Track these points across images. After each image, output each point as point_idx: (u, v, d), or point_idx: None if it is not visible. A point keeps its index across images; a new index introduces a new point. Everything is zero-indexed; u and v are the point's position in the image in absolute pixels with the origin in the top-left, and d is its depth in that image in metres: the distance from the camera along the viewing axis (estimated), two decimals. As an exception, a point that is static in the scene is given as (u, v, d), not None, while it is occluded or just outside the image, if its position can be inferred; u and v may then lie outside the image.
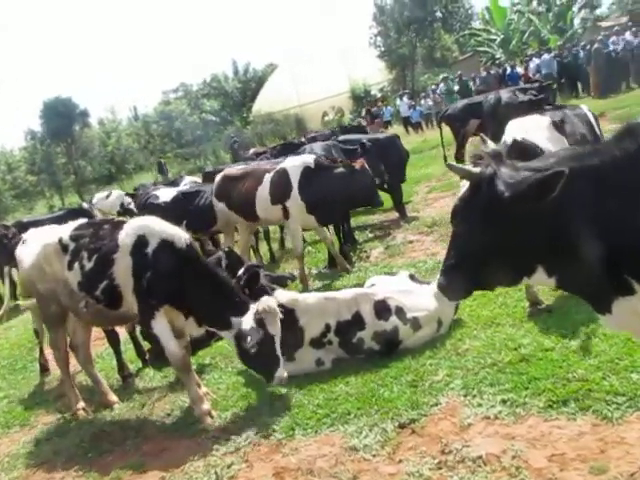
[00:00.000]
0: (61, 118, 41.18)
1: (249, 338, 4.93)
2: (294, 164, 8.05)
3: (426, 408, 4.38)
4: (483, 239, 2.78)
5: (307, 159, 8.17)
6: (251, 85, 51.55)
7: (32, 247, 5.53)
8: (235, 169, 9.33)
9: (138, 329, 6.67)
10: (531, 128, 5.71)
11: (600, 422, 3.71)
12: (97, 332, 6.68)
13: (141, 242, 4.97)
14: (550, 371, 4.39)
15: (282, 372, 4.90)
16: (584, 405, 3.89)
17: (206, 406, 5.06)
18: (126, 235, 5.04)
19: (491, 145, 3.04)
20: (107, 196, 16.43)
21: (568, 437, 3.65)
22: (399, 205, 10.91)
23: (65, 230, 5.46)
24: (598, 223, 2.60)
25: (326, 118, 36.28)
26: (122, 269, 5.00)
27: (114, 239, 5.08)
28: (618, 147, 2.62)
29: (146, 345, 6.85)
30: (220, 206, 8.69)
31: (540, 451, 3.60)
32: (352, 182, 7.86)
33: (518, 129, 5.74)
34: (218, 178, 8.82)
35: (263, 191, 8.11)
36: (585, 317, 5.03)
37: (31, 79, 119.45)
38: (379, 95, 35.38)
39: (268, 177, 8.11)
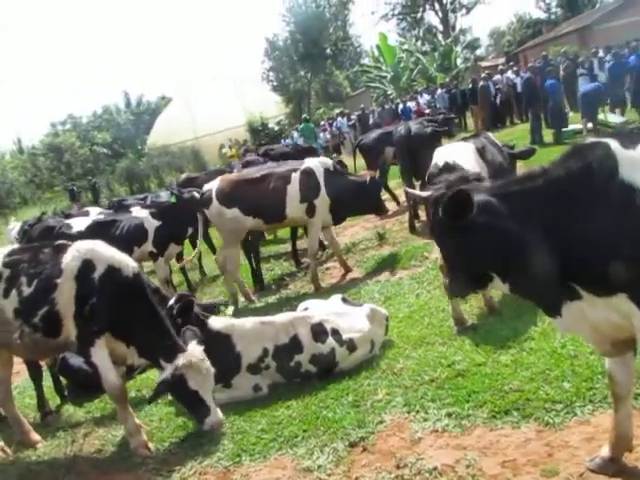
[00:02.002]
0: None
1: (173, 389, 4.85)
2: (316, 164, 8.51)
3: (372, 426, 4.45)
4: (448, 252, 3.28)
5: (325, 161, 8.88)
6: (145, 117, 50.70)
7: None
8: (244, 173, 9.27)
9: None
10: (459, 153, 6.09)
11: (543, 428, 3.92)
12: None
13: (87, 266, 4.77)
14: (487, 384, 4.59)
15: (213, 418, 4.80)
16: (526, 413, 4.10)
17: (143, 437, 4.88)
18: (72, 259, 4.81)
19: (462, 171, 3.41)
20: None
21: (516, 444, 3.83)
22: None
23: None
24: (542, 237, 2.87)
25: (224, 150, 36.07)
26: (65, 294, 4.75)
27: (57, 263, 4.83)
28: (563, 166, 2.89)
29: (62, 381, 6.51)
30: (230, 213, 8.29)
31: (492, 459, 3.75)
32: (365, 189, 8.61)
33: (448, 154, 6.10)
34: (224, 184, 8.43)
35: (293, 189, 8.25)
36: (509, 333, 5.37)
37: None
38: (277, 128, 35.73)
39: (296, 176, 8.27)
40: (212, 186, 8.57)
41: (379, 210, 9.27)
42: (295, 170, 8.41)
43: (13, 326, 4.90)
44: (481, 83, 22.46)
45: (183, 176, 15.78)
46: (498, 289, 3.24)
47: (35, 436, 5.47)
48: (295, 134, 28.64)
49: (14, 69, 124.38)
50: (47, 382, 6.42)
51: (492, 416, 4.18)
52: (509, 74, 23.29)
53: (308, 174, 8.34)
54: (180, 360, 4.73)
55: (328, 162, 8.78)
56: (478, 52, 46.96)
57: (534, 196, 2.91)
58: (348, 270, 8.88)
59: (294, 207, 8.31)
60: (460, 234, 3.02)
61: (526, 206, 2.92)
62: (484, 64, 41.81)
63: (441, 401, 4.54)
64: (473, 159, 6.13)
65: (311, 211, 8.35)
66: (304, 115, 32.89)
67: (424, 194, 3.23)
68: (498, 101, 22.55)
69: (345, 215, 8.98)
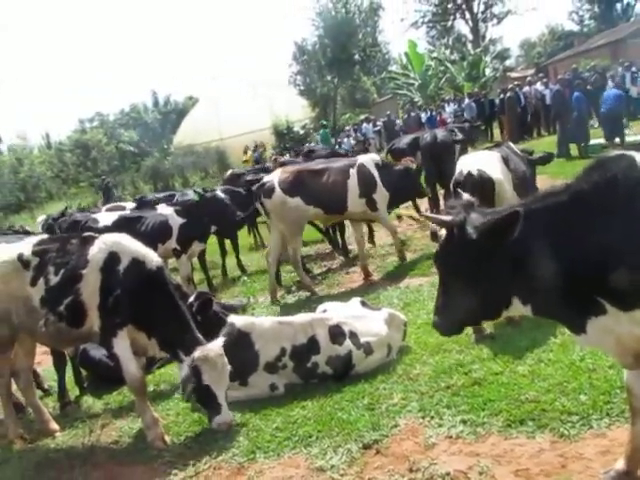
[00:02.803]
0: (-30, 143, 39.20)
1: (186, 382, 4.90)
2: (368, 160, 8.94)
3: (387, 429, 4.47)
4: (461, 279, 3.09)
5: (374, 156, 9.39)
6: (171, 117, 51.21)
7: None
8: (303, 165, 9.70)
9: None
10: (485, 162, 6.09)
11: (558, 439, 3.91)
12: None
13: (112, 259, 4.86)
14: (503, 393, 4.58)
15: (223, 418, 4.84)
16: (541, 424, 4.09)
17: (159, 431, 4.94)
18: (98, 250, 4.91)
19: (465, 196, 3.31)
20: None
21: (530, 454, 3.83)
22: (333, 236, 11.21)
23: (24, 246, 5.22)
24: (566, 253, 2.83)
25: (248, 152, 36.32)
26: (90, 285, 4.85)
27: (84, 254, 4.93)
28: (587, 180, 2.88)
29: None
30: (293, 202, 8.44)
31: (505, 467, 3.76)
32: (410, 177, 9.19)
33: (473, 162, 6.10)
34: (286, 174, 8.61)
35: (352, 184, 8.58)
36: (527, 344, 5.35)
37: None
38: (302, 132, 35.87)
39: (354, 171, 8.61)
40: (273, 177, 8.72)
41: (421, 194, 10.13)
42: (352, 165, 8.76)
43: (39, 314, 5.01)
44: (508, 94, 22.36)
45: (228, 172, 16.06)
46: (515, 313, 3.19)
47: (54, 425, 5.57)
48: (318, 138, 28.86)
49: (44, 67, 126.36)
50: (67, 373, 6.51)
51: (507, 425, 4.18)
52: (538, 86, 23.18)
53: (364, 170, 8.71)
54: (197, 353, 4.79)
55: (376, 157, 9.22)
56: (507, 63, 46.72)
57: (559, 212, 2.88)
58: (368, 275, 8.91)
59: (354, 201, 8.63)
60: (486, 257, 2.96)
61: (552, 223, 2.90)
62: (513, 75, 41.60)
63: (456, 408, 4.55)
64: (499, 168, 6.14)
65: (372, 205, 8.71)
66: (321, 121, 33.10)
67: (445, 218, 3.16)
68: (527, 112, 22.41)
69: (396, 205, 9.64)
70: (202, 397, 4.90)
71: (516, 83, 24.44)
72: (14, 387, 5.81)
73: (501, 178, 6.15)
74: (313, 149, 16.24)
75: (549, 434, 3.98)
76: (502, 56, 44.12)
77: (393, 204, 9.35)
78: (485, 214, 3.10)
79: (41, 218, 15.49)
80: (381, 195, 8.75)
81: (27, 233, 8.43)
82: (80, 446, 5.22)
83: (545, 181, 11.26)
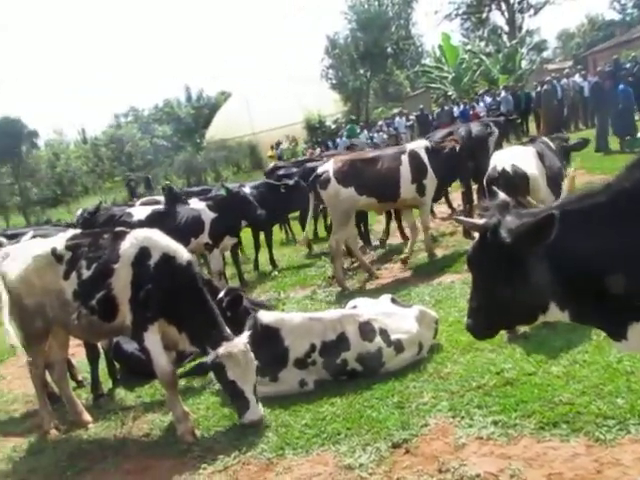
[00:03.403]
0: (8, 138, 40.05)
1: (215, 377, 4.95)
2: (418, 146, 9.02)
3: (416, 429, 4.42)
4: (496, 283, 2.97)
5: (424, 142, 9.30)
6: (204, 112, 51.47)
7: (19, 261, 5.34)
8: (356, 154, 9.71)
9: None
10: (520, 157, 5.99)
11: (594, 444, 3.81)
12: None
13: (143, 254, 4.91)
14: (536, 395, 4.50)
15: (251, 414, 4.84)
16: (575, 427, 4.00)
17: (190, 425, 4.98)
18: (130, 245, 4.96)
19: (502, 195, 3.21)
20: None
21: (563, 458, 3.74)
22: (364, 233, 11.16)
23: (58, 241, 5.31)
24: (607, 255, 2.71)
25: (280, 147, 36.42)
26: (121, 279, 4.90)
27: (116, 249, 4.99)
28: (629, 178, 2.76)
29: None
30: (346, 192, 8.53)
31: (537, 470, 3.68)
32: (458, 156, 9.04)
33: (507, 158, 6.01)
34: (341, 165, 8.67)
35: (405, 170, 8.66)
36: (562, 344, 5.24)
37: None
38: (333, 126, 35.75)
39: (405, 158, 8.68)
40: (328, 167, 8.75)
41: (467, 174, 10.03)
42: (403, 152, 8.82)
43: (72, 307, 5.08)
44: (545, 87, 21.92)
45: (271, 165, 16.18)
46: (552, 319, 3.08)
47: (87, 417, 5.66)
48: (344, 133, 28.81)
49: (81, 63, 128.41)
50: (100, 365, 6.61)
51: (540, 427, 4.09)
52: (576, 78, 22.68)
53: (415, 156, 8.75)
54: (221, 349, 4.80)
55: (426, 143, 9.17)
56: (544, 54, 45.73)
57: (598, 214, 2.75)
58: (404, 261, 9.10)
59: (407, 188, 8.70)
60: (521, 261, 2.86)
61: (591, 225, 2.76)
62: (550, 67, 40.80)
63: (488, 408, 4.47)
64: (534, 163, 6.04)
65: (422, 191, 8.75)
66: (350, 116, 33.01)
67: (478, 222, 3.06)
68: (564, 105, 21.96)
69: (444, 189, 9.76)
70: (229, 393, 4.92)
71: (553, 75, 23.91)
72: (48, 378, 5.93)
73: (536, 174, 6.05)
74: (355, 144, 16.15)
75: (584, 438, 3.89)
76: (539, 48, 43.31)
77: (442, 187, 9.36)
78: (520, 216, 2.97)
79: (79, 212, 15.82)
80: (431, 181, 8.81)
81: (69, 226, 8.62)
82: (112, 438, 5.30)
83: (582, 177, 11.07)
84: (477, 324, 3.17)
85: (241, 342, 4.88)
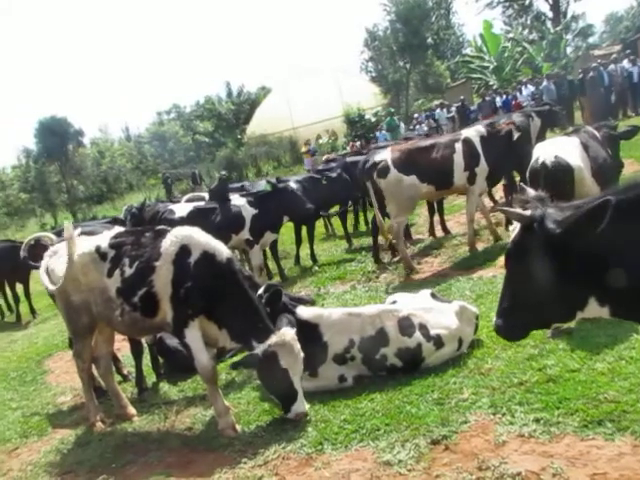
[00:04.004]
0: (56, 137, 41.06)
1: (263, 368, 4.95)
2: (473, 133, 8.94)
3: (456, 425, 4.38)
4: (537, 278, 2.88)
5: (480, 128, 9.13)
6: (245, 107, 51.72)
7: (66, 258, 5.48)
8: (412, 142, 9.76)
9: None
10: (563, 148, 5.87)
11: (640, 444, 3.72)
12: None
13: (184, 252, 4.98)
14: (580, 392, 4.40)
15: (299, 407, 4.88)
16: (621, 426, 3.90)
17: (231, 419, 5.05)
18: (170, 244, 5.04)
19: (530, 192, 3.13)
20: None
21: (608, 457, 3.66)
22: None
23: (102, 239, 5.44)
24: None
25: (320, 141, 36.42)
26: (162, 277, 4.99)
27: (157, 247, 5.08)
28: None
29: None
30: (409, 180, 8.63)
31: (580, 470, 3.61)
32: (512, 145, 8.79)
33: (551, 149, 5.90)
34: (399, 153, 8.74)
35: (458, 158, 8.71)
36: (607, 340, 5.11)
37: (24, 98, 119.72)
38: (373, 120, 35.55)
39: (459, 145, 8.71)
40: (385, 156, 8.79)
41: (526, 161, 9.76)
42: (457, 140, 8.80)
43: (115, 304, 5.20)
44: (591, 73, 21.31)
45: (324, 158, 16.23)
46: (590, 315, 3.00)
47: (132, 410, 5.81)
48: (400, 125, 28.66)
49: (124, 62, 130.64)
50: (145, 360, 6.75)
51: (584, 425, 4.01)
52: (625, 63, 21.92)
53: (468, 143, 8.73)
54: (274, 338, 4.84)
55: (481, 129, 9.02)
56: (591, 40, 44.20)
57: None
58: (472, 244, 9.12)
59: (460, 175, 8.73)
60: (566, 254, 2.78)
61: (632, 216, 2.69)
62: (597, 53, 39.47)
63: (529, 405, 4.40)
64: (577, 154, 5.90)
65: (472, 179, 8.76)
66: (389, 109, 32.79)
67: (525, 213, 2.92)
68: (612, 92, 21.29)
69: (500, 177, 9.51)
70: (279, 383, 4.91)
71: (599, 61, 23.21)
72: (95, 372, 6.08)
73: (580, 165, 5.92)
74: (409, 137, 15.94)
75: (630, 437, 3.79)
76: (585, 33, 41.90)
77: (496, 176, 9.27)
78: (562, 209, 2.91)
79: (124, 208, 16.22)
80: (482, 169, 8.77)
81: (116, 220, 8.88)
82: (155, 431, 5.42)
83: (631, 165, 10.79)
84: (509, 324, 3.08)
85: (290, 332, 4.94)
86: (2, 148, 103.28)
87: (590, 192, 5.73)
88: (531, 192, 3.08)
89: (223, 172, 15.70)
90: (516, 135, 8.77)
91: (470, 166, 8.72)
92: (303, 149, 31.56)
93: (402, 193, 8.69)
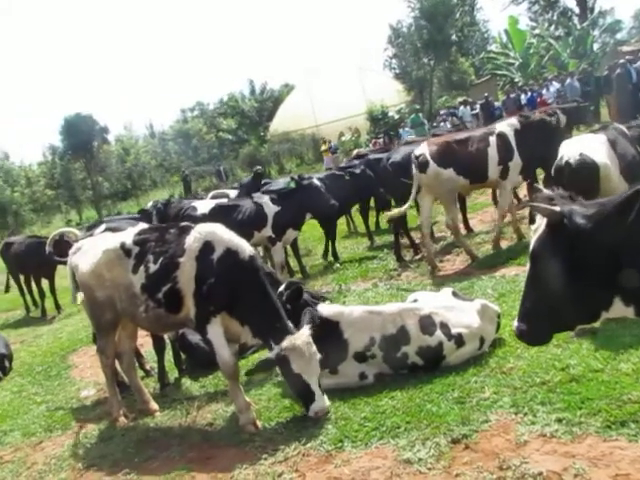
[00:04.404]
0: (81, 134, 41.61)
1: (280, 370, 4.99)
2: (506, 127, 8.83)
3: (477, 424, 4.36)
4: (563, 277, 2.82)
5: (514, 121, 9.01)
6: (268, 105, 51.85)
7: (90, 254, 5.56)
8: (448, 136, 9.71)
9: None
10: (589, 146, 5.81)
11: (665, 445, 3.66)
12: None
13: (207, 248, 5.02)
14: (603, 392, 4.35)
15: (318, 405, 4.90)
16: (644, 427, 3.85)
17: (251, 415, 5.08)
18: (194, 240, 5.08)
19: (546, 191, 3.08)
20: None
21: (631, 458, 3.61)
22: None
23: (126, 235, 5.50)
24: None
25: (342, 138, 36.36)
26: (186, 273, 5.03)
27: (181, 243, 5.12)
28: None
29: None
30: (446, 173, 8.63)
31: (603, 470, 3.57)
32: (549, 134, 8.64)
33: (576, 147, 5.83)
34: (437, 146, 8.75)
35: (492, 152, 8.66)
36: (632, 340, 5.05)
37: (50, 95, 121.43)
38: (397, 117, 35.40)
39: (493, 139, 8.69)
40: (424, 150, 8.77)
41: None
42: (491, 134, 8.74)
43: (139, 300, 5.26)
44: (618, 70, 20.95)
45: (354, 153, 16.26)
46: (614, 315, 2.94)
47: (154, 405, 5.87)
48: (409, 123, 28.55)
49: (148, 60, 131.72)
50: (167, 355, 6.81)
51: (606, 426, 3.96)
52: (655, 59, 21.53)
53: (502, 138, 8.68)
54: (285, 342, 4.85)
55: (515, 122, 8.92)
56: (619, 36, 43.39)
57: None
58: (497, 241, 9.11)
59: (493, 169, 8.68)
60: (594, 251, 2.74)
61: None
62: (625, 49, 38.87)
63: (551, 405, 4.36)
64: (604, 152, 5.82)
65: (504, 174, 8.71)
66: (414, 105, 32.64)
67: (555, 209, 2.81)
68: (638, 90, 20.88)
69: (534, 169, 9.35)
70: (295, 386, 4.96)
71: (627, 58, 22.82)
72: (118, 368, 6.16)
73: (607, 163, 5.83)
74: (438, 133, 15.88)
75: (654, 438, 3.74)
76: (612, 29, 41.20)
77: (530, 169, 9.10)
78: (586, 206, 2.87)
79: (149, 204, 16.41)
80: (515, 164, 8.70)
81: (143, 212, 9.00)
82: (177, 426, 5.47)
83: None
84: (532, 328, 3.00)
85: (304, 334, 4.93)
86: (28, 145, 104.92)
87: (617, 190, 5.63)
88: (546, 191, 3.03)
89: (258, 167, 15.74)
90: (554, 120, 8.79)
91: (504, 160, 8.67)
92: (323, 147, 31.68)
93: (442, 187, 8.72)
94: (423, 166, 8.62)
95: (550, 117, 9.22)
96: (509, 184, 8.89)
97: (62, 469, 5.17)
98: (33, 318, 12.99)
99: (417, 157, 8.70)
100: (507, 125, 8.94)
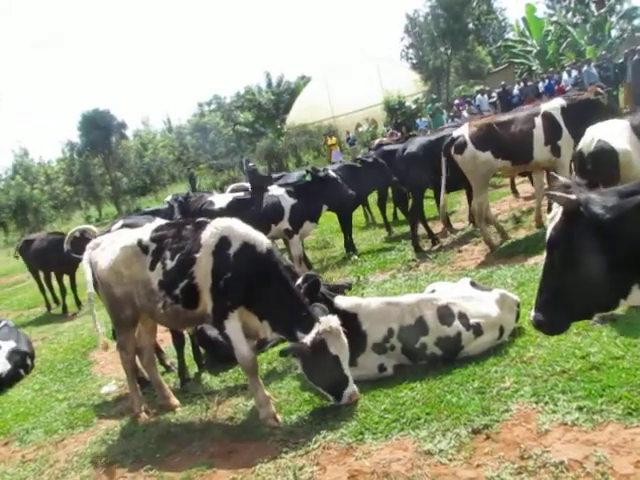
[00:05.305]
0: (99, 130, 41.95)
1: (312, 357, 4.94)
2: (553, 107, 8.70)
3: (497, 414, 4.33)
4: (580, 265, 2.81)
5: (560, 100, 8.92)
6: (284, 97, 51.79)
7: (108, 251, 5.60)
8: (490, 118, 9.77)
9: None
10: (611, 132, 5.73)
11: (686, 431, 3.63)
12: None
13: (223, 243, 5.02)
14: (624, 379, 4.31)
15: (352, 389, 4.92)
16: (666, 414, 3.81)
17: (272, 409, 5.09)
18: (210, 235, 5.09)
19: (562, 179, 3.05)
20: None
21: (653, 445, 3.58)
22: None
23: (143, 232, 5.53)
24: None
25: (360, 129, 36.27)
26: (203, 268, 5.04)
27: (197, 239, 5.13)
28: None
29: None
30: (484, 156, 8.58)
31: (625, 458, 3.54)
32: (602, 107, 8.62)
33: (599, 133, 5.76)
34: (476, 129, 8.70)
35: (538, 132, 8.57)
36: (653, 326, 4.97)
37: (67, 92, 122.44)
38: (414, 107, 35.19)
39: (539, 119, 8.60)
40: (463, 131, 8.77)
41: None
42: (536, 114, 8.66)
43: (157, 296, 5.28)
44: (636, 57, 20.61)
45: (376, 142, 16.23)
46: (632, 304, 2.91)
47: (174, 400, 5.91)
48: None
49: (166, 55, 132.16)
50: (187, 351, 6.86)
51: (628, 413, 3.92)
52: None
53: (548, 117, 8.58)
54: (320, 326, 4.86)
55: (562, 101, 8.81)
56: (636, 22, 42.76)
57: None
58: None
59: (540, 150, 8.58)
60: (613, 239, 2.71)
61: None
62: (644, 34, 38.32)
63: (572, 393, 4.32)
64: (625, 137, 5.72)
65: (556, 152, 8.58)
66: (431, 95, 32.43)
67: (572, 197, 2.81)
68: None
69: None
70: (330, 371, 4.92)
71: (644, 43, 22.46)
72: (138, 364, 6.21)
73: (627, 149, 5.74)
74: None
75: (675, 425, 3.70)
76: (630, 15, 40.64)
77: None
78: (603, 193, 2.85)
79: (169, 198, 16.55)
80: (566, 141, 8.53)
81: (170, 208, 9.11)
82: (198, 421, 5.50)
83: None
84: (550, 316, 2.99)
85: (334, 319, 4.95)
86: (47, 142, 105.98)
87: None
88: (563, 179, 3.00)
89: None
90: (597, 96, 8.71)
91: (551, 140, 8.54)
92: (330, 141, 31.35)
93: (477, 170, 8.65)
94: (461, 147, 8.60)
95: (596, 96, 9.13)
96: (564, 161, 8.63)
97: (84, 466, 5.21)
98: (54, 315, 13.10)
99: (455, 138, 8.69)
100: (554, 103, 8.83)
